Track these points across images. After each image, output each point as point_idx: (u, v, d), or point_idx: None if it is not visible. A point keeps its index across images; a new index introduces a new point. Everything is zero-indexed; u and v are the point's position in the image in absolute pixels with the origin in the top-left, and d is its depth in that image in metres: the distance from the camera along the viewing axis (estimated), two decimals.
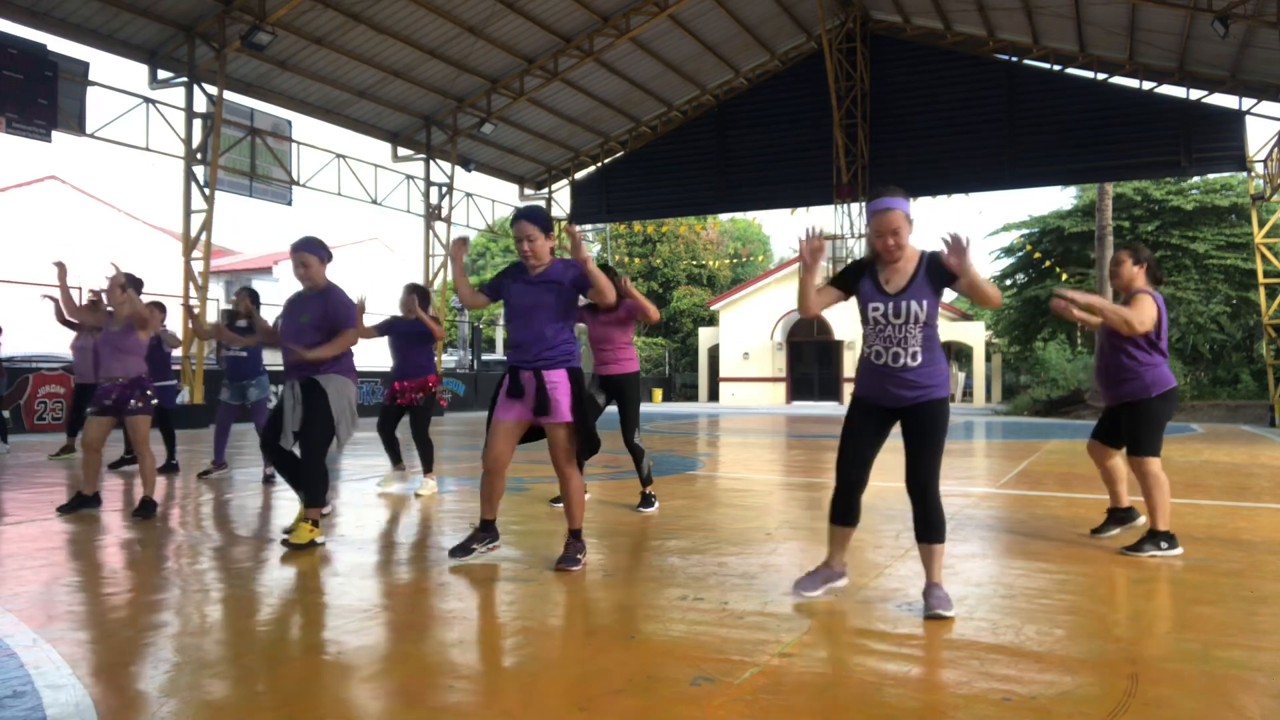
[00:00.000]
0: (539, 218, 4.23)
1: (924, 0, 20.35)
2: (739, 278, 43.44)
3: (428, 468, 7.00)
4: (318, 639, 3.20)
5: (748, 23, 21.15)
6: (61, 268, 6.57)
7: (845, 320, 31.41)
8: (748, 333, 33.48)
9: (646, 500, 6.13)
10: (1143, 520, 4.88)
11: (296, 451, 4.99)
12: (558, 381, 4.20)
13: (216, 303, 19.66)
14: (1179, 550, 4.59)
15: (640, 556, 4.61)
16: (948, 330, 33.13)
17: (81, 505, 5.82)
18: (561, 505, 6.09)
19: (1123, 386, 4.68)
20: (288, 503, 6.53)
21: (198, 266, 15.92)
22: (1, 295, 15.69)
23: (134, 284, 6.04)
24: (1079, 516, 5.86)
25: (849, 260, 22.85)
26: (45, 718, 2.42)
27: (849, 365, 31.93)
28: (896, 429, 3.66)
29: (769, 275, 34.33)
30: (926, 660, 2.94)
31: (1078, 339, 35.41)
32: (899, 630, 3.26)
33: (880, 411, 3.60)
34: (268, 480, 7.59)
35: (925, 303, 3.45)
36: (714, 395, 35.28)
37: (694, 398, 37.36)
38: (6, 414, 10.77)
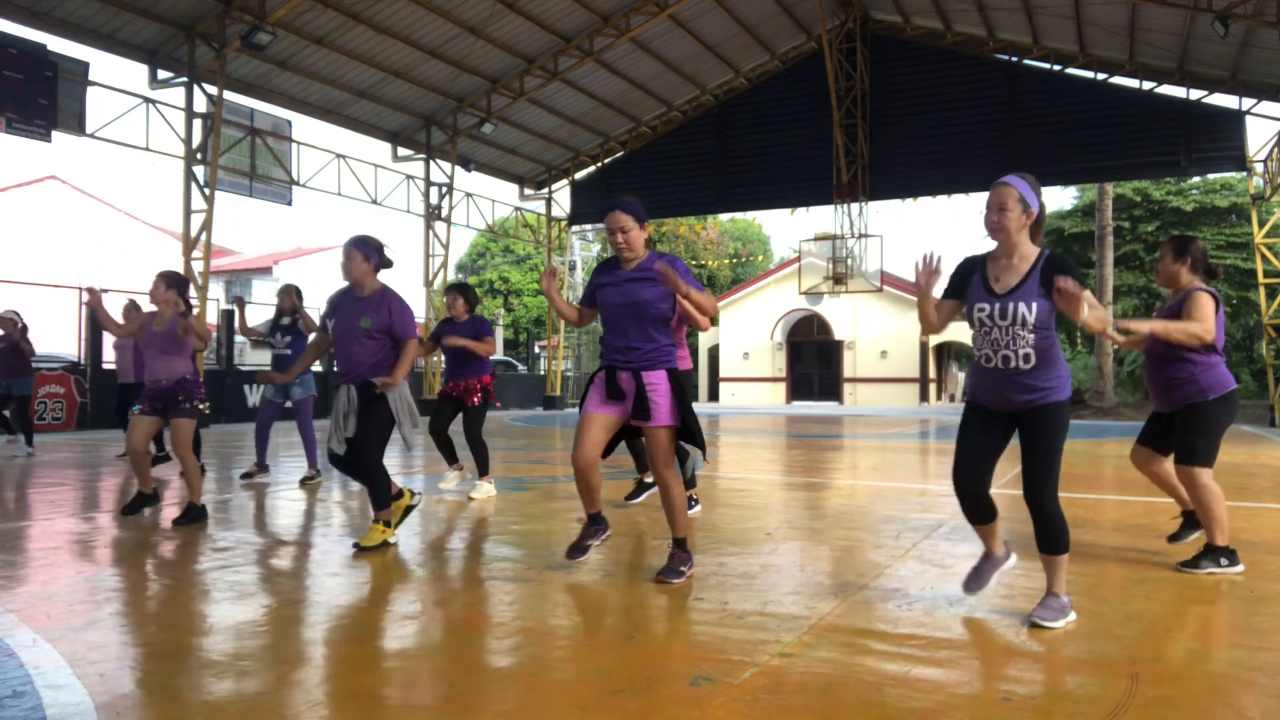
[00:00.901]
0: (633, 207, 4.03)
1: (924, 0, 20.34)
2: (739, 278, 43.44)
3: (483, 471, 6.79)
4: (318, 639, 3.20)
5: (748, 23, 21.14)
6: (94, 296, 6.06)
7: (845, 320, 31.40)
8: (748, 333, 33.48)
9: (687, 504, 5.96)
10: (1242, 568, 4.37)
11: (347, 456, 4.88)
12: (657, 383, 3.97)
13: (216, 303, 19.66)
14: (1240, 567, 4.22)
15: (640, 556, 4.61)
16: (948, 330, 33.13)
17: (144, 504, 5.71)
18: (633, 502, 6.07)
19: (1176, 391, 4.29)
20: (289, 503, 6.53)
21: (198, 266, 15.92)
22: (2, 296, 15.68)
23: (177, 283, 5.81)
24: (1078, 516, 5.86)
25: (849, 260, 22.83)
26: (45, 718, 2.42)
27: (849, 365, 31.94)
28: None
29: (769, 275, 34.31)
30: (926, 660, 2.94)
31: (1077, 339, 35.39)
32: (899, 630, 3.26)
33: (995, 415, 3.43)
34: (245, 477, 7.64)
35: (1035, 305, 3.22)
36: (714, 395, 35.29)
37: (694, 398, 37.38)
38: (6, 414, 10.73)
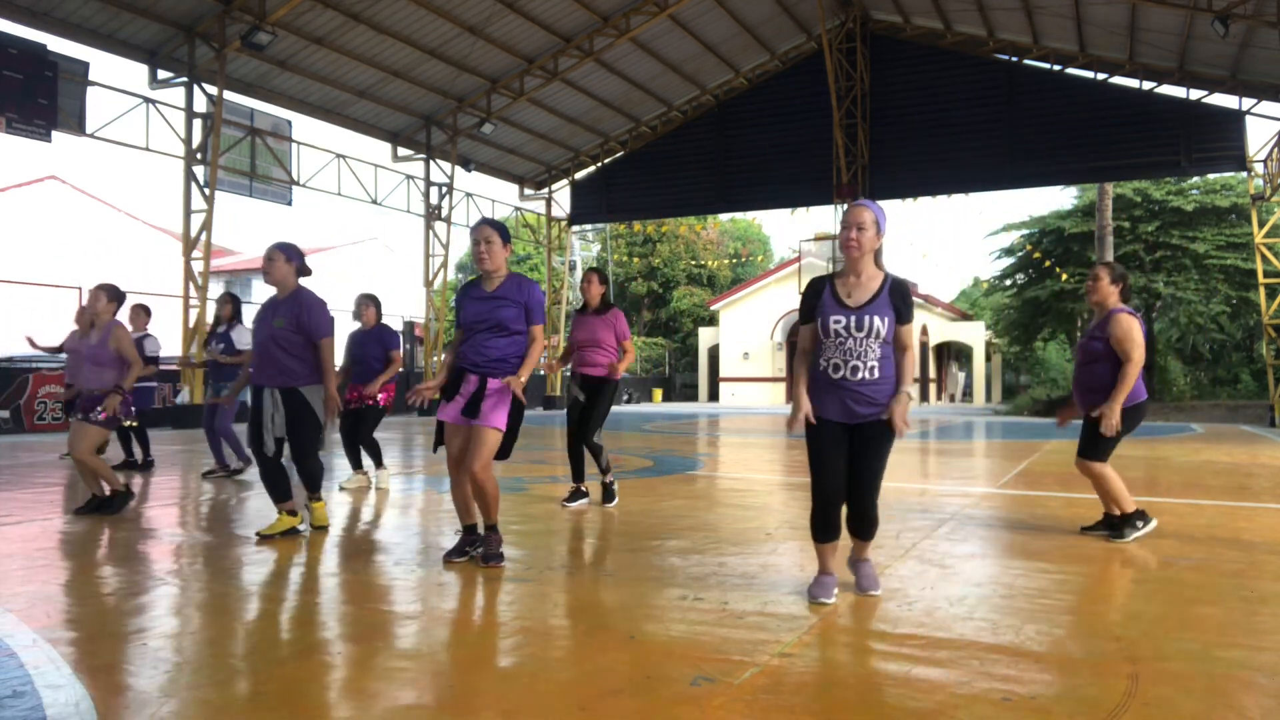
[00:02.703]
0: (500, 226, 4.40)
1: (924, 0, 20.34)
2: (739, 278, 43.42)
3: (379, 463, 7.29)
4: (317, 639, 3.20)
5: (748, 23, 21.14)
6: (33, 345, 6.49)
7: None
8: (748, 333, 33.47)
9: (607, 493, 6.32)
10: (1155, 524, 5.10)
11: (275, 456, 5.00)
12: (499, 390, 4.25)
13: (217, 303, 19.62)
14: (1153, 524, 5.01)
15: (640, 556, 4.61)
16: (948, 330, 33.14)
17: (101, 507, 5.77)
18: (568, 505, 6.20)
19: (1093, 396, 4.95)
20: None
21: (198, 266, 15.93)
22: (1, 295, 15.70)
23: (116, 296, 5.98)
24: (1079, 516, 5.86)
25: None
26: (45, 718, 2.42)
27: None
28: None
29: (769, 275, 34.32)
30: (926, 660, 2.94)
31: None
32: (899, 630, 3.26)
33: (836, 427, 3.64)
34: (234, 473, 7.77)
35: (886, 319, 3.53)
36: (714, 395, 35.27)
37: (694, 398, 37.35)
38: (7, 414, 10.71)
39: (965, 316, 36.25)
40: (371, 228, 73.98)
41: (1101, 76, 20.18)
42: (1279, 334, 18.93)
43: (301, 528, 5.10)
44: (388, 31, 17.10)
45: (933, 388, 32.76)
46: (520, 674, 2.81)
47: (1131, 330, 4.81)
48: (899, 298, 3.58)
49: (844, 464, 3.66)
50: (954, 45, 21.27)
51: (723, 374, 34.20)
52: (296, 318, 4.87)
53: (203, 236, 16.00)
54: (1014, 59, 20.93)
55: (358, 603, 3.71)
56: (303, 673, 2.83)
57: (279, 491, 5.03)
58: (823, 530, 3.73)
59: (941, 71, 21.44)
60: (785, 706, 2.52)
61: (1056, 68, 20.49)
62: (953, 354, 37.18)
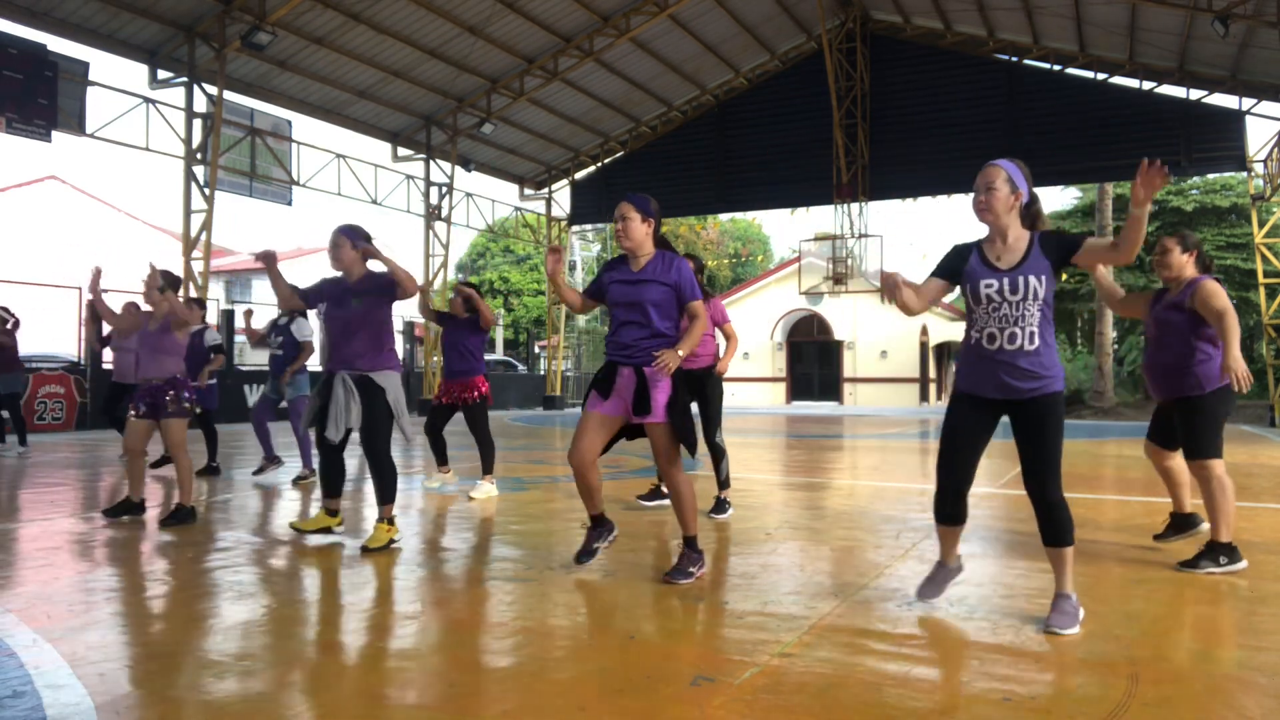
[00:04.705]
0: (639, 200, 4.11)
1: (924, 0, 20.34)
2: (739, 278, 43.44)
3: (487, 469, 6.81)
4: (318, 639, 3.20)
5: (748, 23, 21.13)
6: (97, 273, 5.97)
7: (845, 320, 31.40)
8: (748, 333, 33.44)
9: (720, 506, 5.90)
10: (1206, 527, 4.49)
11: (340, 446, 4.96)
12: (658, 380, 3.99)
13: (216, 303, 19.64)
14: (1242, 564, 4.20)
15: (640, 556, 4.61)
16: (948, 330, 33.15)
17: (127, 511, 5.65)
18: (646, 504, 6.07)
19: (1175, 381, 4.32)
20: (290, 502, 6.53)
21: (198, 266, 15.92)
22: (2, 295, 15.67)
23: (171, 282, 5.85)
24: (1079, 516, 5.83)
25: (848, 260, 22.82)
26: (45, 718, 2.42)
27: (849, 365, 31.94)
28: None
29: (769, 275, 34.32)
30: (926, 660, 2.94)
31: (1077, 339, 35.41)
32: (899, 630, 3.26)
33: (987, 405, 3.36)
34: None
35: (1044, 278, 3.23)
36: None
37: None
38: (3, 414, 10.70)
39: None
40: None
41: (1101, 76, 20.17)
42: (1279, 334, 18.92)
43: (339, 529, 5.08)
44: (388, 31, 17.09)
45: (933, 388, 32.77)
46: (520, 674, 2.81)
47: (1219, 293, 4.18)
48: (1052, 244, 3.26)
49: (978, 448, 3.41)
50: (954, 45, 21.26)
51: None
52: (377, 281, 4.81)
53: (203, 236, 15.99)
54: (1014, 59, 20.92)
55: (358, 603, 3.71)
56: (303, 673, 2.83)
57: (332, 485, 5.03)
58: (944, 512, 3.49)
59: (941, 71, 21.43)
60: (785, 706, 2.52)
61: (1056, 68, 20.48)
62: (953, 354, 37.13)
